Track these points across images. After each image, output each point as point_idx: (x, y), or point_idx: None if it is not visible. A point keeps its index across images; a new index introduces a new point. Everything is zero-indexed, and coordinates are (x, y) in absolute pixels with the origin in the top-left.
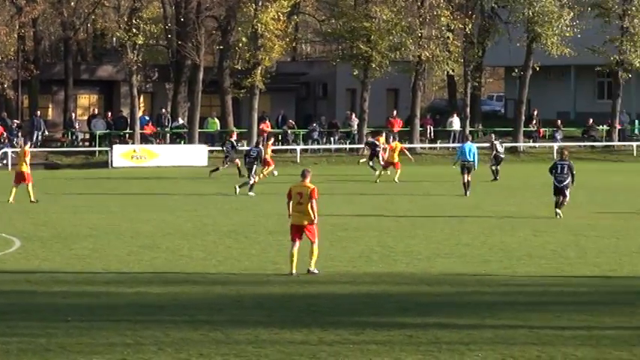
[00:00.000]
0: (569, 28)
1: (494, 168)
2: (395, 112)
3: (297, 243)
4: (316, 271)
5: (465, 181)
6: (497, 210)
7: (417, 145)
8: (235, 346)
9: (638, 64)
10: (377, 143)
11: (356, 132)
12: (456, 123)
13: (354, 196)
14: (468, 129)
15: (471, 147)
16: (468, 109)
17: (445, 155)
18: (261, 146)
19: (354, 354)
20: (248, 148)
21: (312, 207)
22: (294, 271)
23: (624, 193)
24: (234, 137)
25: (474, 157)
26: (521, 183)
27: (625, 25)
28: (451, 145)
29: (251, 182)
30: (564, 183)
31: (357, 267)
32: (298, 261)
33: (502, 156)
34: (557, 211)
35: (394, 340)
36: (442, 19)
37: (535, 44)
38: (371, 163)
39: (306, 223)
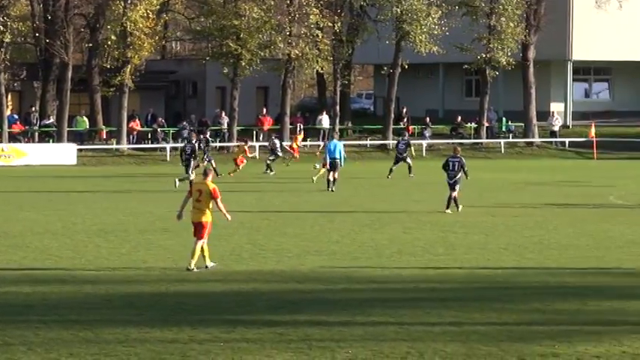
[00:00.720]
0: (437, 27)
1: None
2: (265, 110)
3: (200, 240)
4: (213, 264)
5: (331, 177)
6: (367, 207)
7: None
8: (105, 346)
9: (505, 62)
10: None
11: (226, 130)
12: (325, 121)
13: (223, 193)
14: (337, 127)
15: (337, 144)
16: (338, 107)
17: (315, 153)
18: (194, 142)
19: (225, 352)
20: (183, 144)
21: (217, 206)
22: (192, 266)
23: (492, 189)
24: (207, 134)
25: (340, 154)
26: (391, 180)
27: (492, 23)
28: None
29: (191, 178)
30: (455, 179)
31: (227, 265)
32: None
33: (403, 155)
34: (447, 211)
35: (265, 338)
36: (311, 17)
37: (404, 42)
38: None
39: (203, 220)
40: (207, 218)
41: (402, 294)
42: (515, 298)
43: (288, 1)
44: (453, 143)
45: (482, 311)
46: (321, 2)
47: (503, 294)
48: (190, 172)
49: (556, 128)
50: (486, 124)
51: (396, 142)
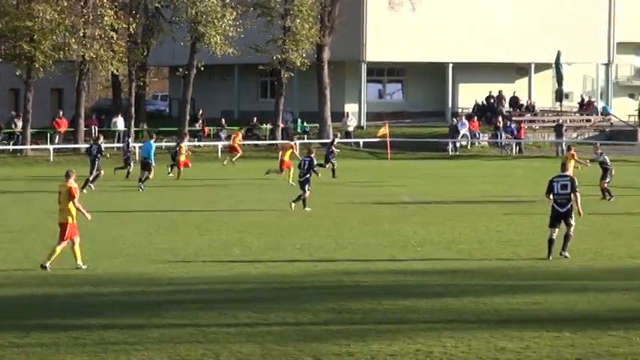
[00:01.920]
0: (232, 28)
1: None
2: (61, 113)
3: (63, 242)
4: (84, 266)
5: (144, 177)
6: (167, 208)
7: (82, 146)
8: None
9: (300, 63)
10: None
11: (19, 133)
12: (120, 123)
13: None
14: (132, 129)
15: (150, 143)
16: (133, 109)
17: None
18: (101, 143)
19: (19, 357)
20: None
21: (75, 206)
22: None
23: (288, 190)
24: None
25: (148, 154)
26: (188, 182)
27: (287, 24)
28: (115, 145)
29: (92, 177)
30: (305, 177)
31: (22, 269)
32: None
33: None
34: (293, 206)
35: (60, 342)
36: (106, 18)
37: (199, 44)
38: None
39: (64, 221)
40: (68, 219)
41: (198, 296)
42: (311, 298)
43: (82, 3)
44: (310, 144)
45: (278, 312)
46: (116, 4)
47: (298, 294)
48: (95, 170)
49: (351, 129)
50: (282, 125)
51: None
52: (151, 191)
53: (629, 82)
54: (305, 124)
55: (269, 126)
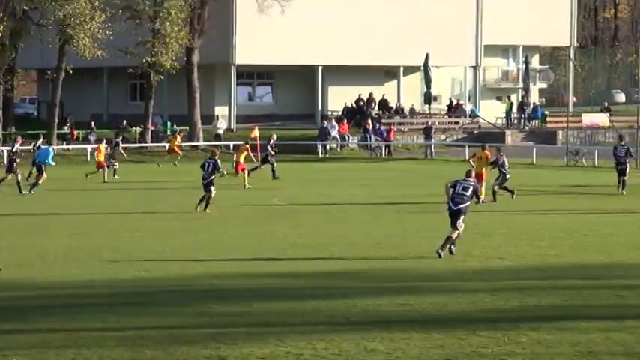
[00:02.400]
0: (101, 31)
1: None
2: None
3: None
4: None
5: (41, 181)
6: (43, 212)
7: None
8: None
9: (169, 66)
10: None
11: None
12: None
13: None
14: (0, 132)
15: (49, 150)
16: (1, 113)
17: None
18: (18, 145)
19: None
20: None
21: None
22: None
23: (160, 193)
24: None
25: (44, 159)
26: (59, 185)
27: (156, 27)
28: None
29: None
30: (209, 179)
31: None
32: None
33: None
34: (199, 209)
35: None
36: None
37: (68, 46)
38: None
39: None
40: None
41: (67, 300)
42: (182, 301)
43: None
44: (211, 146)
45: (148, 315)
46: None
47: (169, 297)
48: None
49: (221, 132)
50: (151, 128)
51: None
52: (39, 195)
53: (496, 85)
54: (175, 126)
55: (139, 129)
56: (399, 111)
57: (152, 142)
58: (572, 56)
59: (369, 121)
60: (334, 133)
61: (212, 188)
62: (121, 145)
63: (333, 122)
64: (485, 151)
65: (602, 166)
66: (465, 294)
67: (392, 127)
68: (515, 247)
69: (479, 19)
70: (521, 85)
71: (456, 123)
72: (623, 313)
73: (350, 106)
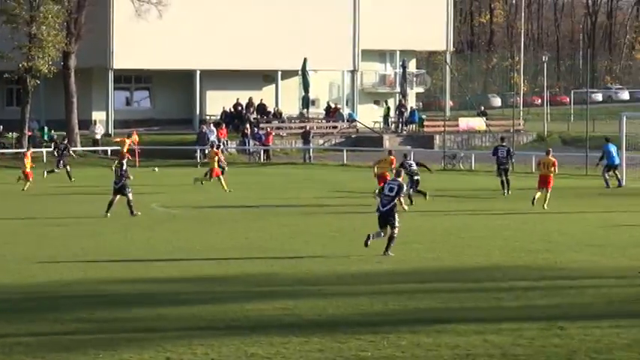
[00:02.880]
0: None
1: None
2: None
3: None
4: None
5: None
6: None
7: None
8: None
9: (46, 70)
10: None
11: None
12: None
13: None
14: None
15: None
16: None
17: None
18: None
19: None
20: None
21: None
22: None
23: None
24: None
25: None
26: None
27: (33, 31)
28: None
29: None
30: (121, 183)
31: None
32: None
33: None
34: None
35: None
36: None
37: None
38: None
39: None
40: None
41: None
42: (61, 307)
43: None
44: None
45: (27, 322)
46: None
47: (48, 304)
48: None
49: (98, 137)
50: (28, 134)
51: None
52: None
53: (374, 89)
54: (52, 132)
55: (15, 134)
56: (277, 115)
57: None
58: (448, 61)
59: (248, 126)
60: (212, 137)
61: (127, 191)
62: (70, 148)
63: (212, 127)
64: (391, 157)
65: (479, 169)
66: (344, 298)
67: (270, 132)
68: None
69: (356, 24)
70: (398, 89)
71: (334, 127)
72: (500, 315)
73: (228, 110)
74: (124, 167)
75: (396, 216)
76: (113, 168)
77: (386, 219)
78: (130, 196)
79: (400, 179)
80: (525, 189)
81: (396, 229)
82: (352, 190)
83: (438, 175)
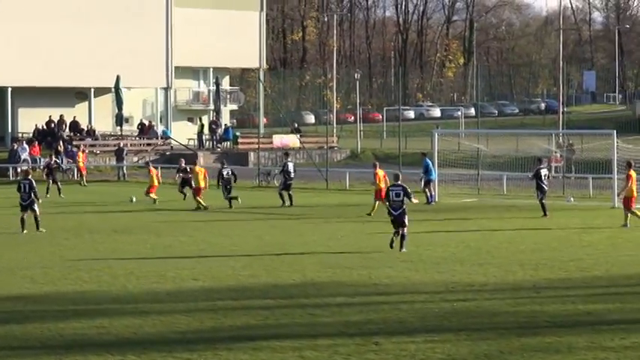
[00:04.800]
0: None
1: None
2: None
3: None
4: None
5: None
6: None
7: None
8: None
9: None
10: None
11: None
12: None
13: None
14: None
15: None
16: None
17: None
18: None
19: None
20: None
21: None
22: None
23: None
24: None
25: None
26: None
27: None
28: None
29: None
30: (29, 200)
31: None
32: None
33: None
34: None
35: None
36: None
37: None
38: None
39: None
40: None
41: None
42: None
43: None
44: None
45: None
46: None
47: None
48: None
49: None
50: None
51: None
52: None
53: (187, 106)
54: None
55: None
56: (91, 133)
57: None
58: (261, 78)
59: (61, 143)
60: (25, 155)
61: (35, 207)
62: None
63: (24, 144)
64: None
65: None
66: (160, 316)
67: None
68: (209, 268)
69: (169, 41)
70: (212, 106)
71: (149, 144)
72: (317, 331)
73: (41, 128)
74: (33, 184)
75: (406, 217)
76: None
77: (400, 221)
78: (37, 212)
79: (400, 181)
80: (342, 205)
81: (406, 228)
82: (171, 209)
83: (252, 193)
